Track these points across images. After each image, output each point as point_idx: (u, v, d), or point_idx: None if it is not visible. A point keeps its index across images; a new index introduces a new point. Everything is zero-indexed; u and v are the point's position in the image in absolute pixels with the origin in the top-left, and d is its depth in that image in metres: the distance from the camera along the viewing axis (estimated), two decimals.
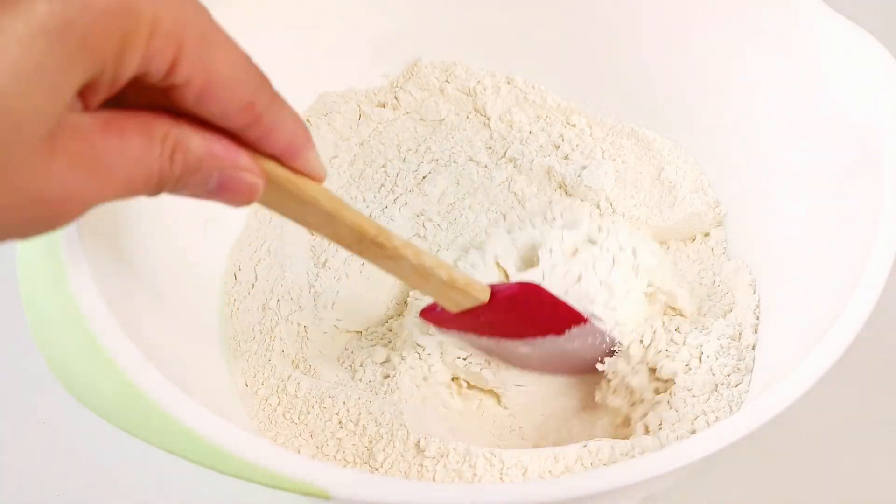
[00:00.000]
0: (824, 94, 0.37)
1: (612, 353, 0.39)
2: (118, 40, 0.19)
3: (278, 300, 0.43)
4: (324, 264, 0.45)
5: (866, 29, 0.36)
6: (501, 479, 0.34)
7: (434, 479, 0.34)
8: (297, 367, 0.41)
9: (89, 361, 0.27)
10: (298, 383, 0.39)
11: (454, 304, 0.36)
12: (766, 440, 0.41)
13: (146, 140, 0.21)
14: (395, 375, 0.39)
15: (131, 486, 0.42)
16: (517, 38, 0.50)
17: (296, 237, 0.46)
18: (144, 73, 0.20)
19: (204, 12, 0.21)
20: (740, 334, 0.40)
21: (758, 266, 0.42)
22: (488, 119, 0.51)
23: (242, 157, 0.23)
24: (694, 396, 0.37)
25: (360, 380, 0.40)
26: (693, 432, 0.36)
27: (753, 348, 0.39)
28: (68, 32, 0.18)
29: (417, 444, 0.35)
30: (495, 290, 0.36)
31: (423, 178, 0.48)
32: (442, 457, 0.35)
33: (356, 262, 0.45)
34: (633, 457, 0.34)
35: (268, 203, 0.26)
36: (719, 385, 0.37)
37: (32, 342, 0.28)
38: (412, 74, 0.51)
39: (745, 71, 0.43)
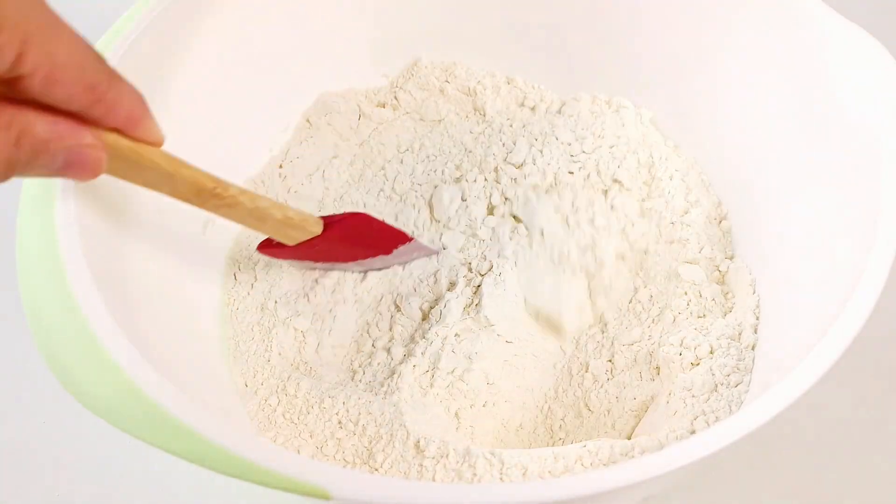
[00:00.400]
0: (824, 93, 0.37)
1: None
2: None
3: (276, 301, 0.43)
4: (323, 268, 0.45)
5: (866, 29, 0.36)
6: (501, 479, 0.34)
7: (434, 480, 0.34)
8: (296, 367, 0.41)
9: (89, 361, 0.27)
10: (298, 384, 0.39)
11: (291, 239, 0.39)
12: (766, 440, 0.41)
13: None
14: (395, 376, 0.39)
15: (131, 487, 0.42)
16: (517, 38, 0.50)
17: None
18: None
19: (43, 4, 0.22)
20: (740, 334, 0.40)
21: (758, 266, 0.42)
22: (485, 117, 0.51)
23: (86, 135, 0.25)
24: (694, 396, 0.37)
25: (360, 380, 0.40)
26: (693, 432, 0.36)
27: (753, 348, 0.39)
28: None
29: (417, 445, 0.35)
30: (327, 222, 0.40)
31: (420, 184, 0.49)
32: (442, 457, 0.35)
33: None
34: (633, 457, 0.34)
35: (113, 172, 0.28)
36: (719, 385, 0.37)
37: (32, 342, 0.28)
38: (412, 74, 0.51)
39: (746, 71, 0.43)
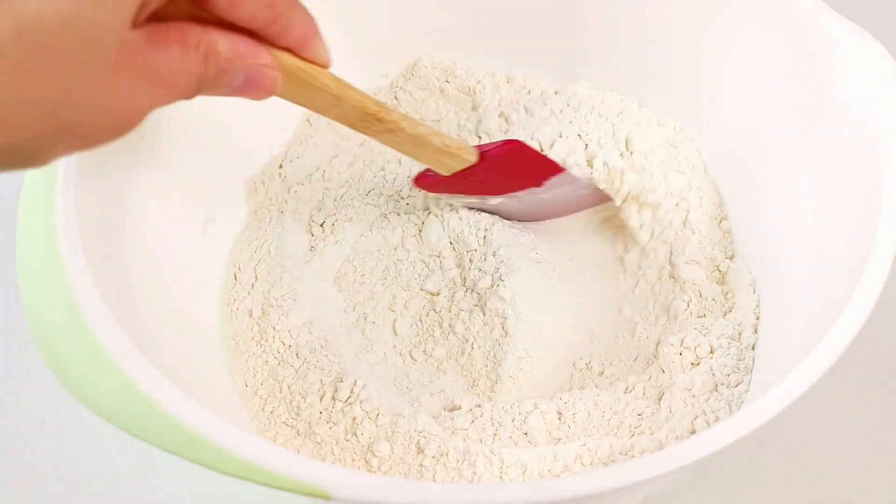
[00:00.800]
0: (824, 93, 0.37)
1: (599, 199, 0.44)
2: None
3: (276, 301, 0.43)
4: (323, 268, 0.45)
5: (866, 29, 0.36)
6: (501, 478, 0.34)
7: (434, 479, 0.34)
8: (296, 367, 0.41)
9: (89, 361, 0.27)
10: (298, 383, 0.39)
11: (447, 168, 0.39)
12: (766, 440, 0.41)
13: (184, 48, 0.23)
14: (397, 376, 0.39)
15: (131, 487, 0.42)
16: (517, 38, 0.50)
17: (296, 238, 0.46)
18: None
19: None
20: (740, 334, 0.40)
21: (758, 266, 0.42)
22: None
23: (263, 54, 0.26)
24: (694, 396, 0.37)
25: (360, 382, 0.40)
26: (693, 432, 0.36)
27: (753, 348, 0.39)
28: None
29: (417, 444, 0.35)
30: (483, 151, 0.40)
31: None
32: (442, 456, 0.35)
33: None
34: (633, 457, 0.34)
35: (285, 94, 0.30)
36: (719, 385, 0.37)
37: (32, 342, 0.28)
38: (412, 74, 0.51)
39: (745, 71, 0.43)
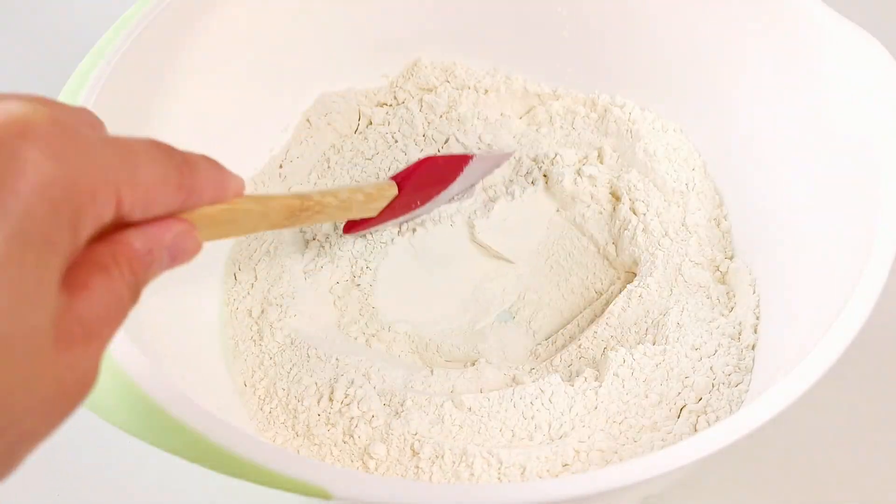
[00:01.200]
0: (824, 94, 0.37)
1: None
2: (71, 218, 0.20)
3: (276, 300, 0.43)
4: (321, 268, 0.45)
5: (866, 29, 0.36)
6: (499, 479, 0.34)
7: (431, 481, 0.34)
8: (296, 367, 0.41)
9: None
10: (297, 383, 0.39)
11: (374, 211, 0.41)
12: (766, 440, 0.41)
13: (104, 276, 0.22)
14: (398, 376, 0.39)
15: (131, 487, 0.42)
16: (517, 38, 0.50)
17: (296, 238, 0.46)
18: (101, 226, 0.21)
19: (116, 147, 0.22)
20: (740, 334, 0.40)
21: (758, 266, 0.42)
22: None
23: (175, 225, 0.25)
24: (694, 396, 0.37)
25: (358, 382, 0.40)
26: (693, 432, 0.36)
27: (753, 348, 0.39)
28: (32, 232, 0.18)
29: (412, 447, 0.35)
30: (399, 180, 0.42)
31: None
32: (437, 458, 0.35)
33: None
34: (633, 454, 0.34)
35: (214, 237, 0.28)
36: (719, 385, 0.37)
37: None
38: (412, 74, 0.51)
39: (746, 72, 0.43)
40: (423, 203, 0.45)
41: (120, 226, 0.23)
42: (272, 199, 0.32)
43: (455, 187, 0.46)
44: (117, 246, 0.23)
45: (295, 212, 0.33)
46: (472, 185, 0.48)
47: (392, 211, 0.42)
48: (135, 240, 0.23)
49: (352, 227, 0.43)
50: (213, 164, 0.27)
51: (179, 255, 0.25)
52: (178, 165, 0.24)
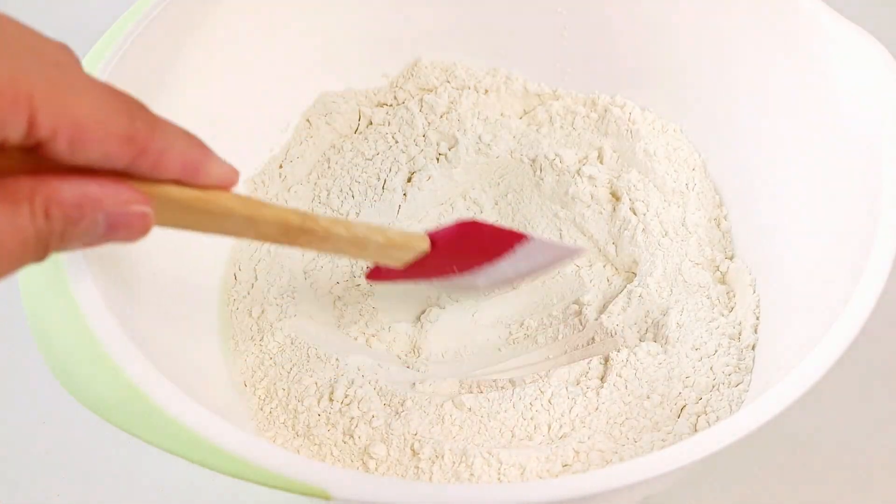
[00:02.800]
0: (825, 94, 0.37)
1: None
2: None
3: (276, 300, 0.43)
4: (321, 268, 0.45)
5: (866, 29, 0.36)
6: (499, 479, 0.34)
7: (430, 481, 0.34)
8: (295, 367, 0.41)
9: (89, 361, 0.27)
10: (297, 383, 0.39)
11: (398, 261, 0.35)
12: (766, 440, 0.41)
13: (10, 207, 0.20)
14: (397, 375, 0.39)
15: (131, 486, 0.42)
16: (517, 38, 0.50)
17: None
18: (3, 139, 0.19)
19: (49, 61, 0.20)
20: (740, 334, 0.40)
21: (758, 266, 0.42)
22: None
23: (125, 192, 0.22)
24: (694, 395, 0.37)
25: (358, 382, 0.40)
26: (693, 432, 0.36)
27: (753, 348, 0.39)
28: None
29: (412, 447, 0.35)
30: (434, 237, 0.36)
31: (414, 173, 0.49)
32: (437, 458, 0.35)
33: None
34: (632, 453, 0.34)
35: (184, 226, 0.25)
36: (719, 385, 0.37)
37: (32, 342, 0.28)
38: (412, 74, 0.51)
39: (746, 72, 0.43)
40: (460, 271, 0.38)
41: (51, 167, 0.20)
42: (266, 207, 0.28)
43: (502, 268, 0.39)
44: (40, 184, 0.20)
45: (292, 229, 0.29)
46: (521, 278, 0.41)
47: (423, 269, 0.37)
48: (64, 189, 0.21)
49: (376, 274, 0.39)
50: (191, 139, 0.24)
51: (120, 227, 0.22)
52: (132, 114, 0.22)
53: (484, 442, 0.37)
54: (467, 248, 0.38)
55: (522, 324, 0.44)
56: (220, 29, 0.42)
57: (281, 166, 0.49)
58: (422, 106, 0.50)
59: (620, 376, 0.38)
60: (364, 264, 0.45)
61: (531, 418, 0.37)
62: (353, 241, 0.32)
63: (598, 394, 0.38)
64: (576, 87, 0.50)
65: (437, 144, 0.50)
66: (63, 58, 0.21)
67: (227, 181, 0.25)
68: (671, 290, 0.42)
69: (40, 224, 0.20)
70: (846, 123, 0.36)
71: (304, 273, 0.45)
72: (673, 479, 0.35)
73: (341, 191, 0.48)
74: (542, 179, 0.48)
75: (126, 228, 0.22)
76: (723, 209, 0.45)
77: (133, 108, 0.22)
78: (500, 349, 0.43)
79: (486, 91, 0.51)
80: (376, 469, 0.35)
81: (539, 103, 0.51)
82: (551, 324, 0.44)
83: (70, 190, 0.21)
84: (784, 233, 0.40)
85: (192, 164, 0.24)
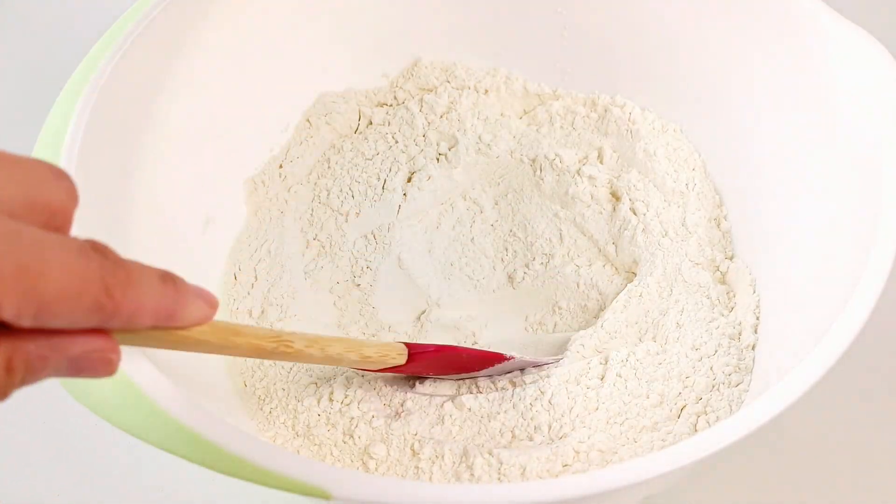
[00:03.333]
0: (825, 94, 0.37)
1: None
2: None
3: (275, 300, 0.43)
4: (321, 268, 0.45)
5: (866, 29, 0.36)
6: (499, 479, 0.34)
7: (430, 481, 0.34)
8: (295, 367, 0.41)
9: None
10: (297, 383, 0.39)
11: (373, 366, 0.36)
12: (766, 440, 0.41)
13: None
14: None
15: (131, 486, 0.42)
16: (517, 38, 0.50)
17: (296, 238, 0.46)
18: None
19: (26, 241, 0.18)
20: (740, 334, 0.40)
21: (758, 266, 0.42)
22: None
23: (93, 341, 0.21)
24: (694, 396, 0.37)
25: (358, 382, 0.40)
26: (693, 432, 0.36)
27: (753, 348, 0.39)
28: None
29: (412, 448, 0.35)
30: (413, 353, 0.37)
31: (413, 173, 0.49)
32: (437, 458, 0.35)
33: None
34: (633, 456, 0.34)
35: (143, 345, 0.25)
36: (719, 385, 0.37)
37: None
38: (412, 74, 0.51)
39: (745, 72, 0.43)
40: (434, 374, 0.40)
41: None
42: (240, 334, 0.28)
43: (482, 374, 0.40)
44: (4, 342, 0.19)
45: (264, 353, 0.30)
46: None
47: (403, 370, 0.38)
48: (30, 343, 0.20)
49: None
50: (165, 287, 0.22)
51: (86, 370, 0.21)
52: (104, 280, 0.20)
53: (484, 442, 0.37)
54: (445, 365, 0.39)
55: (522, 323, 0.44)
56: (220, 29, 0.42)
57: (281, 166, 0.49)
58: (422, 106, 0.50)
59: (620, 376, 0.38)
60: (364, 264, 0.46)
61: (531, 418, 0.37)
62: (327, 360, 0.33)
63: (597, 393, 0.38)
64: (576, 87, 0.50)
65: (437, 144, 0.50)
66: (44, 217, 0.20)
67: (201, 320, 0.25)
68: (671, 290, 0.42)
69: (1, 377, 0.20)
70: (846, 123, 0.36)
71: (304, 273, 0.45)
72: (673, 479, 0.34)
73: (341, 191, 0.48)
74: (542, 179, 0.48)
75: (91, 372, 0.22)
76: (723, 209, 0.45)
77: (107, 273, 0.20)
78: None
79: (486, 91, 0.51)
80: (376, 469, 0.35)
81: (539, 103, 0.51)
82: (554, 325, 0.44)
83: (35, 344, 0.20)
84: (784, 233, 0.40)
85: (166, 313, 0.23)
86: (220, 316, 0.42)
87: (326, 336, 0.33)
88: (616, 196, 0.47)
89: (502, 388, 0.40)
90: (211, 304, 0.25)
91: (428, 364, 0.38)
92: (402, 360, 0.37)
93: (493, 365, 0.40)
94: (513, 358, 0.39)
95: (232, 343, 0.28)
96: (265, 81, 0.46)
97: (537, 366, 0.40)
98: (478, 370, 0.40)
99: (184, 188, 0.41)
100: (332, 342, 0.33)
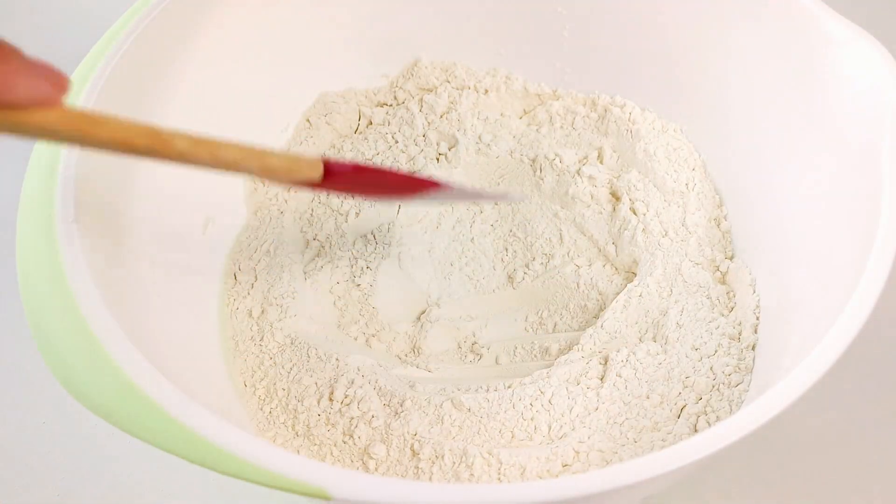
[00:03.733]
0: (826, 94, 0.37)
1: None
2: None
3: (275, 300, 0.43)
4: (321, 268, 0.45)
5: (866, 29, 0.36)
6: (499, 479, 0.34)
7: (430, 481, 0.34)
8: (295, 367, 0.41)
9: (89, 361, 0.27)
10: (297, 383, 0.39)
11: (284, 184, 0.33)
12: (766, 440, 0.41)
13: None
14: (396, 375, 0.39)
15: (131, 486, 0.42)
16: (517, 38, 0.50)
17: (296, 238, 0.46)
18: None
19: None
20: (740, 334, 0.40)
21: (758, 266, 0.42)
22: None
23: None
24: (694, 396, 0.37)
25: (358, 382, 0.40)
26: (693, 432, 0.36)
27: (753, 348, 0.39)
28: None
29: (412, 448, 0.35)
30: (330, 168, 0.33)
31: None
32: (437, 458, 0.35)
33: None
34: (633, 457, 0.34)
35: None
36: (719, 385, 0.37)
37: (32, 342, 0.28)
38: (412, 74, 0.51)
39: (745, 72, 0.43)
40: (367, 198, 0.36)
41: None
42: (101, 124, 0.24)
43: (416, 200, 0.37)
44: None
45: (138, 150, 0.26)
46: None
47: (321, 187, 0.34)
48: None
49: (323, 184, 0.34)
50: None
51: None
52: None
53: (484, 442, 0.37)
54: (371, 186, 0.35)
55: (522, 323, 0.44)
56: (219, 28, 0.42)
57: None
58: (422, 106, 0.50)
59: (620, 376, 0.38)
60: (364, 264, 0.45)
61: (531, 418, 0.37)
62: (220, 164, 0.29)
63: (597, 394, 0.38)
64: (576, 87, 0.51)
65: (437, 144, 0.50)
66: None
67: (38, 100, 0.21)
68: (671, 290, 0.42)
69: None
70: (847, 123, 0.36)
71: (304, 273, 0.45)
72: (673, 479, 0.34)
73: None
74: (542, 179, 0.48)
75: None
76: (723, 209, 0.45)
77: None
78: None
79: (486, 91, 0.51)
80: (376, 469, 0.35)
81: (539, 103, 0.51)
82: (554, 325, 0.44)
83: None
84: (784, 233, 0.40)
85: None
86: (221, 315, 0.43)
87: (222, 139, 0.29)
88: (616, 196, 0.47)
89: (502, 388, 0.40)
90: (56, 83, 0.21)
91: (349, 183, 0.34)
92: (317, 174, 0.32)
93: (426, 190, 0.36)
94: (449, 187, 0.36)
95: (89, 134, 0.24)
96: (265, 81, 0.46)
97: (479, 198, 0.36)
98: (410, 195, 0.36)
99: (184, 188, 0.41)
100: (226, 146, 0.29)
